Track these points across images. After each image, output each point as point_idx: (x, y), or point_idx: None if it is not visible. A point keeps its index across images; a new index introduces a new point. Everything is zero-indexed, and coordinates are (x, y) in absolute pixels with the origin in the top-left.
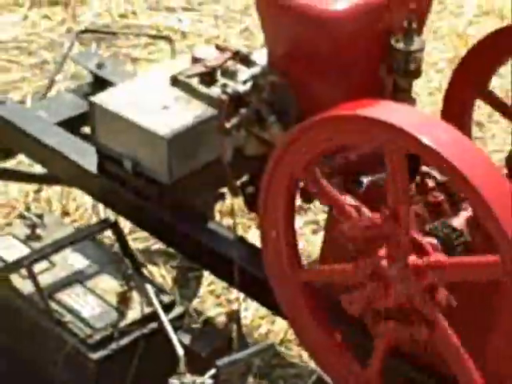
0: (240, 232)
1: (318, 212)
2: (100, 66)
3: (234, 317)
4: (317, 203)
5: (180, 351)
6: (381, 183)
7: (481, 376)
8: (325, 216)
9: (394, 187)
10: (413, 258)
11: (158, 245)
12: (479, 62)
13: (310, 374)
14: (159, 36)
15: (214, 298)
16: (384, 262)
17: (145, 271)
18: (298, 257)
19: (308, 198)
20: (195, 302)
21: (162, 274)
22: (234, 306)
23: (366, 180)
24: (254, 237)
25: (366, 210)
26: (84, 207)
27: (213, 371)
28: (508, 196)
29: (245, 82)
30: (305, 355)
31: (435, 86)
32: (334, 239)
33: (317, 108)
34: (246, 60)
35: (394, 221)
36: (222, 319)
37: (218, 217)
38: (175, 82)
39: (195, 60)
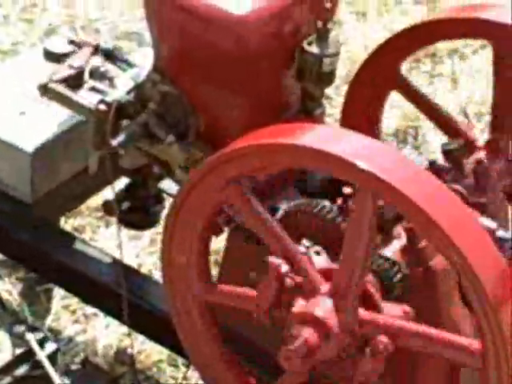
0: (89, 234)
1: None
2: None
3: (123, 357)
4: None
5: None
6: (299, 210)
7: None
8: None
9: (353, 236)
10: (363, 313)
11: None
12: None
13: None
14: None
15: (69, 313)
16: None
17: None
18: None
19: (218, 229)
20: (49, 320)
21: (7, 288)
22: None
23: (282, 206)
24: (104, 238)
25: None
26: None
27: None
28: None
29: (129, 92)
30: None
31: None
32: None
33: (222, 121)
34: (110, 56)
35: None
36: (80, 338)
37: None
38: (45, 90)
39: (49, 54)
